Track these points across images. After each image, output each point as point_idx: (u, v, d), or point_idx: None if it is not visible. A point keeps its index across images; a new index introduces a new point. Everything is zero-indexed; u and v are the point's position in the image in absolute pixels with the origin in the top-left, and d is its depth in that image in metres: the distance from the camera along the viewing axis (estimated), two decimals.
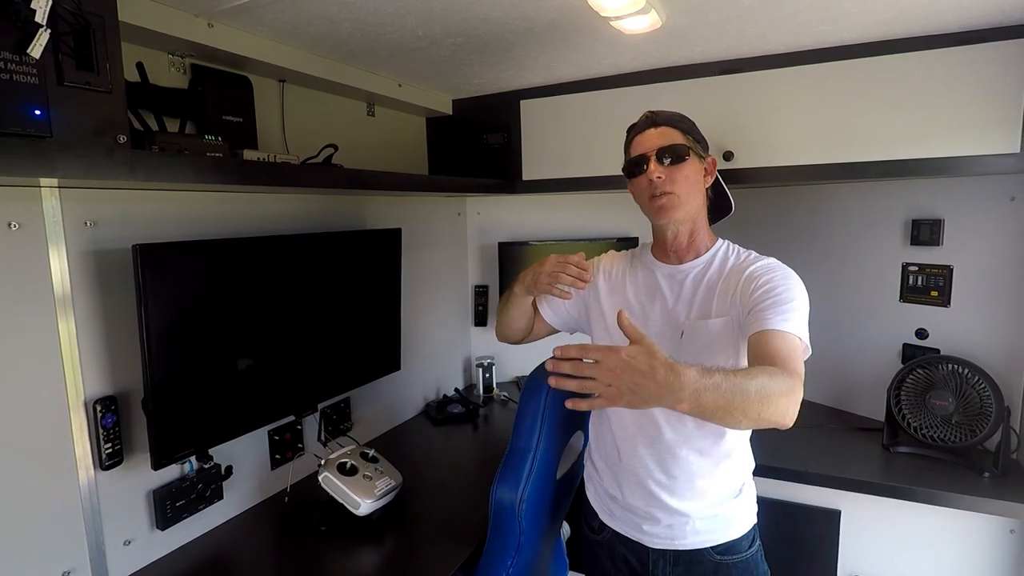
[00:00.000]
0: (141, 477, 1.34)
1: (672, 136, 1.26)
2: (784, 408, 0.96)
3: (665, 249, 1.34)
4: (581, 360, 0.89)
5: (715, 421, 0.94)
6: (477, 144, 2.36)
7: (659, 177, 1.23)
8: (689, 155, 1.25)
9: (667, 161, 1.24)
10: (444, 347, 2.54)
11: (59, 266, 1.17)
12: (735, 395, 0.91)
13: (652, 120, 1.30)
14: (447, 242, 2.53)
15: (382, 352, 1.97)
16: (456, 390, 2.53)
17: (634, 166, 1.29)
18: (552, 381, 0.91)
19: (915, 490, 1.68)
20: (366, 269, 1.85)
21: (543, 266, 1.32)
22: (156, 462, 1.24)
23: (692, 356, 1.21)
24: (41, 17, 0.91)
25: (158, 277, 1.20)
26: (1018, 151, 1.56)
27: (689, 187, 1.26)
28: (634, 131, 1.34)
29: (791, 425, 0.98)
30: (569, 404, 0.93)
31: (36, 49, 0.92)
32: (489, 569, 1.36)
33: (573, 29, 1.54)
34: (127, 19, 1.20)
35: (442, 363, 2.54)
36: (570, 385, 0.89)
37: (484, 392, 2.55)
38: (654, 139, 1.27)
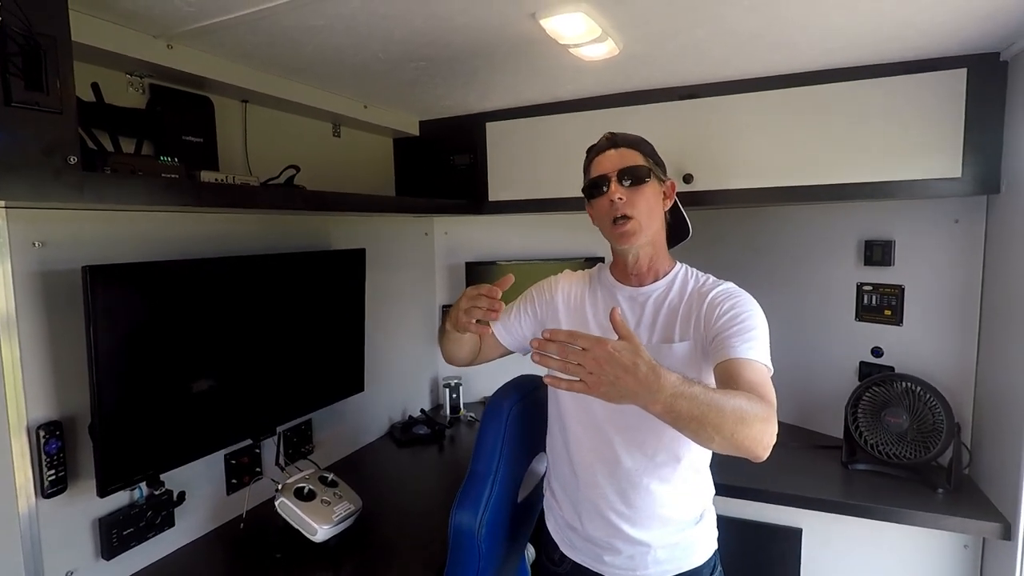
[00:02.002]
0: (86, 505, 1.29)
1: (633, 158, 1.27)
2: (759, 436, 0.96)
3: (626, 271, 1.34)
4: (566, 345, 0.91)
5: (687, 433, 0.94)
6: (444, 165, 2.38)
7: (620, 198, 1.23)
8: (649, 177, 1.26)
9: (627, 183, 1.24)
10: (411, 367, 2.52)
11: (2, 286, 1.14)
12: (711, 409, 0.92)
13: (613, 142, 1.30)
14: (414, 262, 2.53)
15: (345, 373, 1.95)
16: (422, 411, 2.51)
17: (594, 187, 1.28)
18: (536, 357, 0.94)
19: (873, 507, 1.71)
20: (329, 290, 1.84)
21: (459, 303, 1.25)
22: (102, 489, 1.21)
23: None
24: None
25: (109, 299, 1.18)
26: (959, 176, 1.63)
27: (649, 210, 1.27)
28: (594, 152, 1.34)
29: (765, 457, 0.98)
30: (547, 380, 0.95)
31: None
32: None
33: (535, 55, 1.57)
34: (83, 39, 1.19)
35: (408, 384, 2.52)
36: (553, 364, 0.92)
37: (451, 413, 2.53)
38: (615, 160, 1.27)
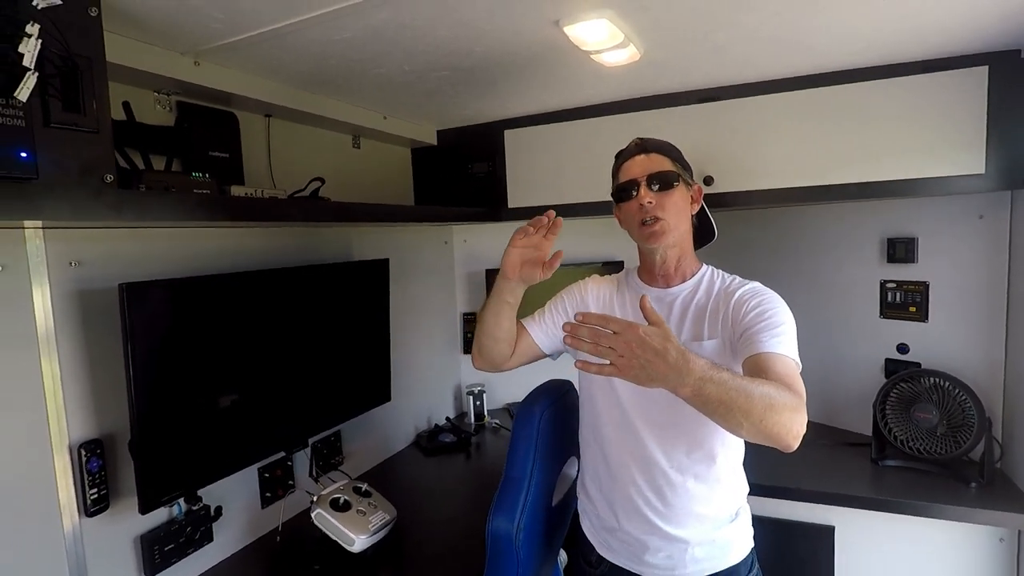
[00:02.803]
0: (128, 522, 1.30)
1: (662, 163, 1.29)
2: (788, 424, 0.96)
3: (653, 273, 1.35)
4: (598, 329, 0.94)
5: (716, 418, 0.95)
6: (462, 173, 2.38)
7: (650, 202, 1.25)
8: (678, 182, 1.28)
9: (656, 187, 1.26)
10: (434, 376, 2.53)
11: (43, 307, 1.15)
12: (739, 394, 0.93)
13: (642, 147, 1.32)
14: (434, 271, 2.54)
15: (372, 384, 1.96)
16: (447, 419, 2.51)
17: (623, 192, 1.30)
18: (568, 340, 0.96)
19: (905, 503, 1.70)
20: (354, 301, 1.85)
21: (507, 250, 1.30)
22: (144, 506, 1.21)
23: None
24: (29, 61, 0.91)
25: (144, 315, 1.19)
26: (983, 172, 1.62)
27: (678, 213, 1.28)
28: (623, 157, 1.35)
29: (795, 447, 0.98)
30: (578, 364, 0.98)
31: (23, 92, 0.91)
32: None
33: (555, 62, 1.58)
34: (114, 59, 1.20)
35: (432, 392, 2.52)
36: (585, 347, 0.94)
37: (475, 420, 2.53)
38: (644, 165, 1.29)
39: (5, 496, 1.10)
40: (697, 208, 1.36)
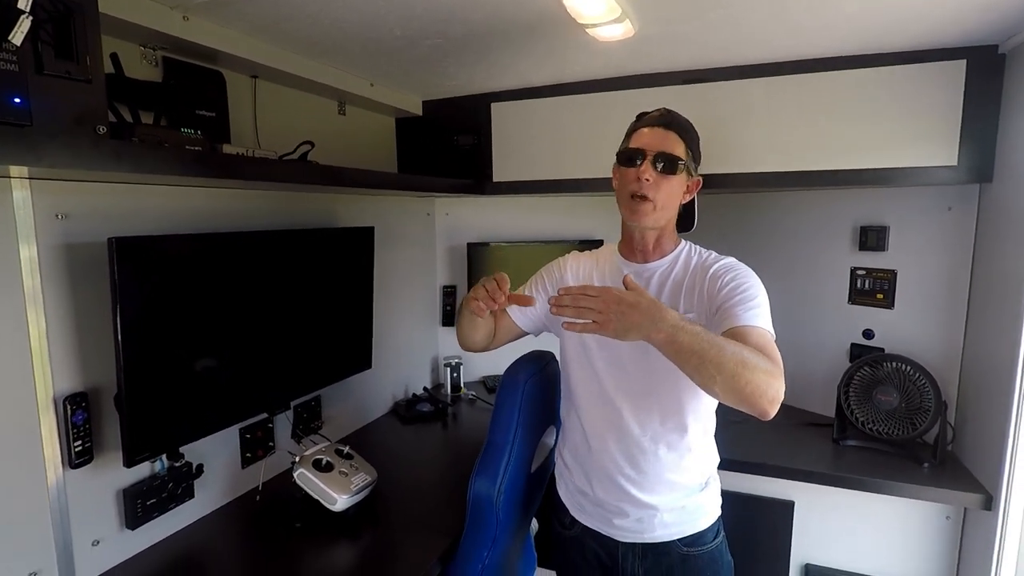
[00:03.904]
0: (111, 476, 1.31)
1: (675, 145, 1.28)
2: (763, 386, 1.00)
3: (632, 247, 1.38)
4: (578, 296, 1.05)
5: (689, 370, 1.02)
6: (447, 145, 2.38)
7: (647, 179, 1.26)
8: (682, 170, 1.28)
9: (660, 167, 1.26)
10: (412, 347, 2.55)
11: (29, 259, 1.14)
12: (711, 347, 1.00)
13: (664, 120, 1.30)
14: (416, 242, 2.55)
15: (354, 350, 1.97)
16: (425, 389, 2.54)
17: (628, 158, 1.29)
18: (554, 309, 1.06)
19: (862, 479, 1.79)
20: (339, 267, 1.85)
21: (476, 290, 1.27)
22: (129, 459, 1.22)
23: (659, 355, 1.26)
24: (24, 3, 0.89)
25: (132, 271, 1.18)
26: (955, 164, 1.69)
27: (669, 198, 1.29)
28: (643, 121, 1.34)
29: (772, 412, 1.02)
30: (565, 326, 1.07)
31: (17, 36, 0.89)
32: (466, 561, 1.39)
33: (549, 34, 1.58)
34: (103, 9, 1.17)
35: (410, 362, 2.54)
36: (568, 312, 1.05)
37: (452, 391, 2.57)
38: (658, 139, 1.28)
39: None
40: (689, 199, 1.37)
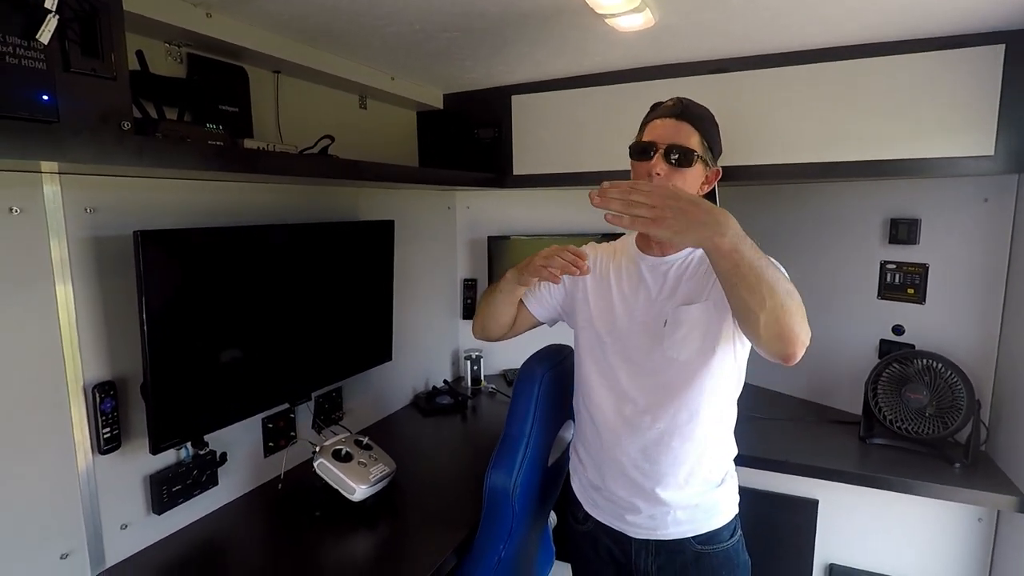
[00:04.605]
0: (138, 462, 1.35)
1: (689, 137, 1.23)
2: (800, 328, 0.97)
3: (649, 240, 1.35)
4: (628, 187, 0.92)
5: (742, 289, 0.95)
6: (467, 138, 2.38)
7: (659, 174, 1.21)
8: (697, 162, 1.23)
9: (674, 160, 1.21)
10: (433, 339, 2.57)
11: (59, 252, 1.18)
12: (770, 267, 0.94)
13: (678, 110, 1.25)
14: (436, 236, 2.56)
15: (375, 342, 2.00)
16: (445, 382, 2.55)
17: (641, 151, 1.25)
18: (596, 200, 0.93)
19: (889, 479, 1.74)
20: (360, 260, 1.87)
21: (534, 257, 1.28)
22: (155, 446, 1.26)
23: (675, 343, 1.23)
24: (51, 3, 0.92)
25: (157, 263, 1.21)
26: (992, 154, 1.62)
27: None
28: (656, 112, 1.29)
29: (798, 358, 0.99)
30: (608, 218, 0.94)
31: (44, 35, 0.92)
32: (482, 553, 1.40)
33: (568, 25, 1.57)
34: (128, 7, 1.20)
35: (431, 355, 2.56)
36: (615, 205, 0.91)
37: (472, 384, 2.58)
38: (671, 131, 1.23)
39: (25, 433, 1.14)
40: (708, 189, 1.32)
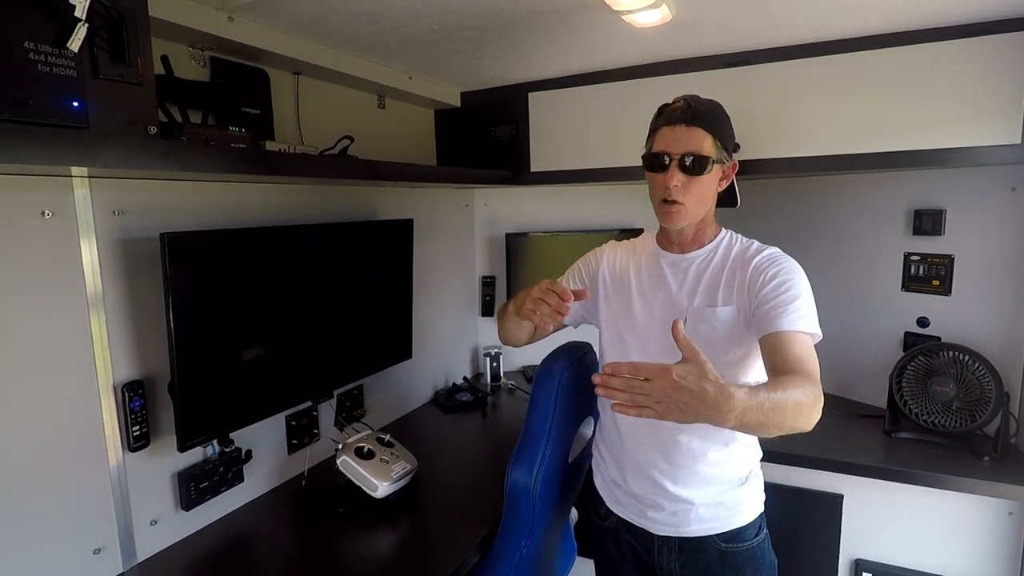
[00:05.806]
0: (166, 459, 1.38)
1: (702, 142, 1.21)
2: (810, 418, 1.01)
3: (670, 240, 1.35)
4: (630, 380, 0.91)
5: (749, 432, 1.05)
6: (485, 136, 2.39)
7: (675, 185, 1.21)
8: (712, 166, 1.22)
9: (689, 166, 1.20)
10: (452, 337, 2.58)
11: (90, 254, 1.20)
12: (774, 413, 0.96)
13: (687, 115, 1.22)
14: (455, 233, 2.57)
15: (395, 340, 2.01)
16: (464, 378, 2.57)
17: (654, 161, 1.25)
18: (601, 391, 0.92)
19: (916, 473, 1.72)
20: (380, 259, 1.89)
21: (531, 292, 1.24)
22: (182, 444, 1.28)
23: (697, 343, 1.23)
24: (80, 12, 0.94)
25: (184, 264, 1.24)
26: (1019, 142, 1.59)
27: (701, 199, 1.25)
28: (664, 119, 1.26)
29: (810, 430, 1.02)
30: (614, 407, 0.93)
31: (75, 43, 0.94)
32: (504, 548, 1.41)
33: (584, 22, 1.57)
34: (153, 12, 1.22)
35: (450, 352, 2.58)
36: (619, 397, 0.91)
37: (492, 381, 2.59)
38: (682, 139, 1.21)
39: (58, 431, 1.17)
40: (726, 184, 1.31)
